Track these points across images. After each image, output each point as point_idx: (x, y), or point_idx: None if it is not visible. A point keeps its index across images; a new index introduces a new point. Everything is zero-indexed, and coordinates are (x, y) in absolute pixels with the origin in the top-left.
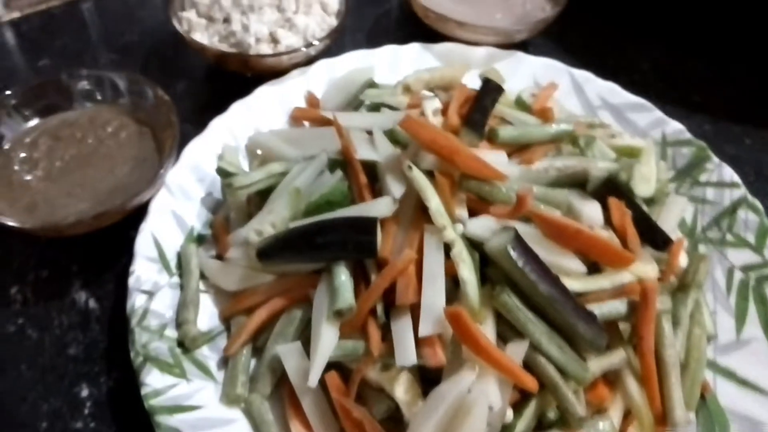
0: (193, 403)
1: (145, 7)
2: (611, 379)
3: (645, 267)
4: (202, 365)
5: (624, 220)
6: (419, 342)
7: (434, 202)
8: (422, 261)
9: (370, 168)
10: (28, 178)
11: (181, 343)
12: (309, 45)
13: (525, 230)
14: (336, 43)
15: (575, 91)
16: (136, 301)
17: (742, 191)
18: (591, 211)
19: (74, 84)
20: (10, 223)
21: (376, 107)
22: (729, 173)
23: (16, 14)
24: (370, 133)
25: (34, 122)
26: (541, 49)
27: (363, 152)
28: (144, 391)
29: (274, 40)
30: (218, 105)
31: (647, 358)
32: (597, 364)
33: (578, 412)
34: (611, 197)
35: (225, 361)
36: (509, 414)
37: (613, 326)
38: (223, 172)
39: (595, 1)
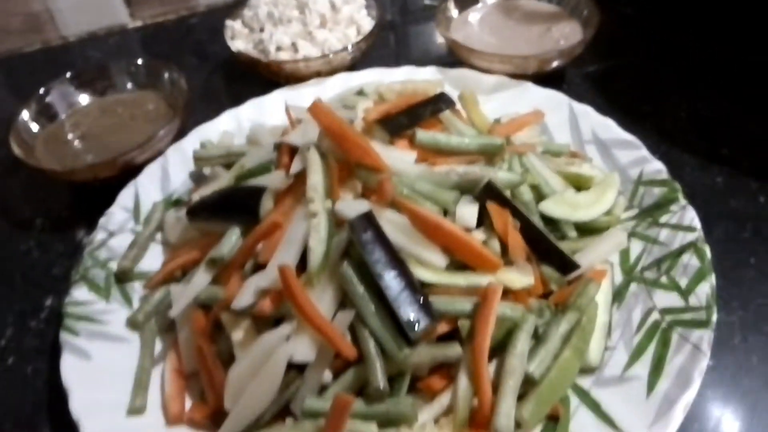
0: (102, 318)
1: None
2: (452, 375)
3: (514, 276)
4: (127, 295)
5: (505, 227)
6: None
7: (313, 179)
8: None
9: None
10: (70, 137)
11: (118, 276)
12: (324, 56)
13: (395, 218)
14: (372, 61)
15: (570, 124)
16: (97, 236)
17: (695, 235)
18: (466, 212)
19: (123, 71)
20: (31, 163)
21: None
22: (690, 216)
23: (138, 23)
24: None
25: (91, 99)
26: (577, 88)
27: (290, 137)
28: (66, 299)
29: (296, 50)
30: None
31: (477, 355)
32: (428, 352)
33: (377, 383)
34: (490, 202)
35: None
36: (327, 375)
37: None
38: (202, 146)
39: (647, 43)
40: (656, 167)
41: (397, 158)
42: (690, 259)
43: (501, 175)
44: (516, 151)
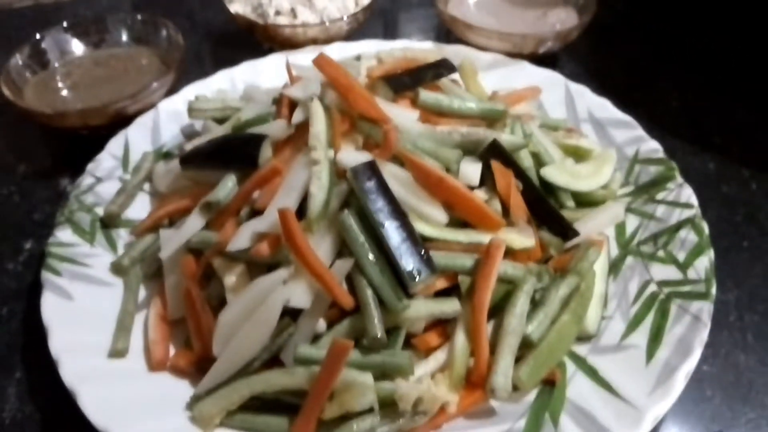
0: (85, 261)
1: None
2: (449, 332)
3: (515, 236)
4: (112, 240)
5: (508, 188)
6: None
7: (316, 128)
8: None
9: None
10: (60, 85)
11: (103, 221)
12: (322, 23)
13: (397, 172)
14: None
15: (567, 103)
16: (84, 180)
17: (692, 212)
18: (469, 169)
19: (120, 23)
20: (20, 105)
21: None
22: (687, 194)
23: None
24: None
25: (85, 50)
26: (567, 71)
27: (291, 90)
28: (50, 240)
29: (294, 16)
30: None
31: (477, 310)
32: (426, 306)
33: (375, 331)
34: (494, 161)
35: None
36: (321, 324)
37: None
38: (196, 98)
39: (640, 34)
40: (652, 146)
41: (400, 115)
42: (687, 235)
43: (505, 137)
44: (517, 119)
